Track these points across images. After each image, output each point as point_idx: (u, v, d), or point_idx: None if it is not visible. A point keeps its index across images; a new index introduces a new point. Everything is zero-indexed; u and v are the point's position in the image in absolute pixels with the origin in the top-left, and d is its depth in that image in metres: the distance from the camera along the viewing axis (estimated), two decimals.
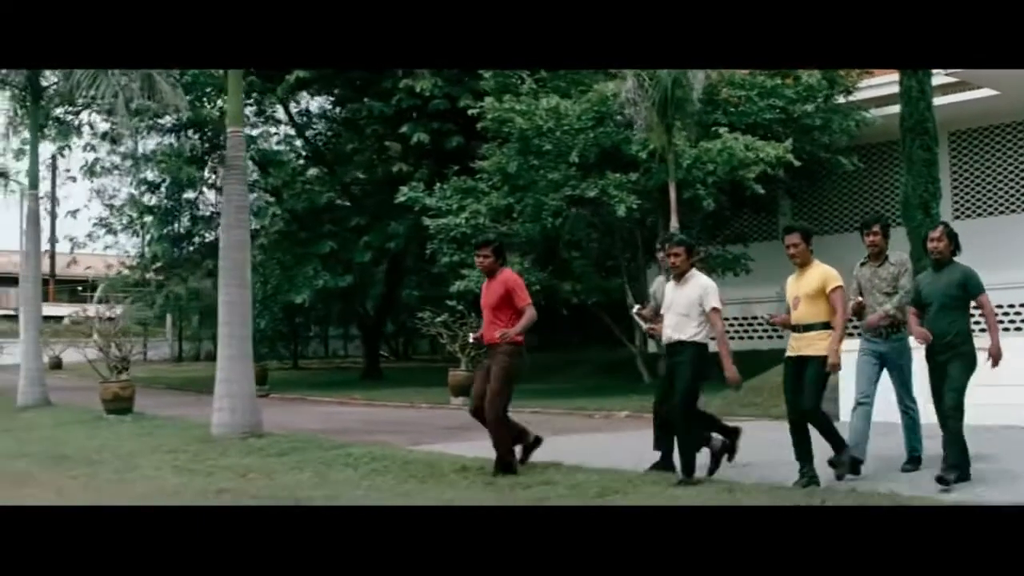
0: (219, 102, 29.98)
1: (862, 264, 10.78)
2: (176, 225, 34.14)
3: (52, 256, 56.29)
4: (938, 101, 17.72)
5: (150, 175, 33.70)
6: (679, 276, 10.31)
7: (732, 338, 25.01)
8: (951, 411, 9.45)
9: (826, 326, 9.70)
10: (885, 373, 10.65)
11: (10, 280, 64.48)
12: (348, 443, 13.98)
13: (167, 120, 30.78)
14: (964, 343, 9.58)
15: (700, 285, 10.22)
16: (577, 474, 10.53)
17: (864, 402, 10.44)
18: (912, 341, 10.26)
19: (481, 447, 11.35)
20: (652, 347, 21.66)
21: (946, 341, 9.56)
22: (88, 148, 34.29)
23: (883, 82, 21.16)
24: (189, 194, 33.85)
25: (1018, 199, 21.99)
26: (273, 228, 31.50)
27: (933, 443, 9.85)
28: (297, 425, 17.20)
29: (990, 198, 22.30)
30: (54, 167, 41.74)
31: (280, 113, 34.84)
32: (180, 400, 25.59)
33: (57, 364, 41.24)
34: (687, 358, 10.09)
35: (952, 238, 9.86)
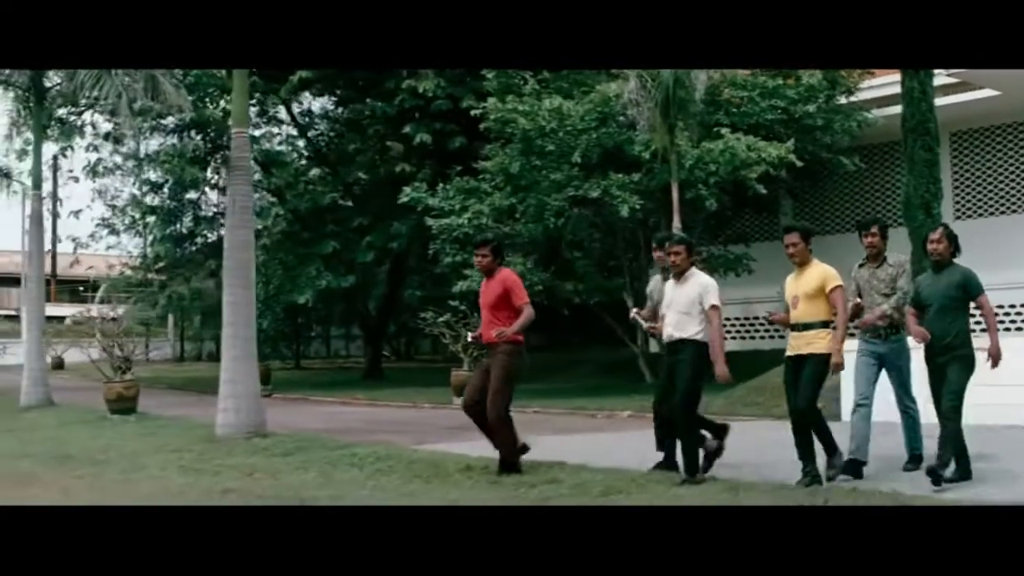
0: (222, 103, 30.04)
1: (860, 265, 10.78)
2: (179, 225, 34.18)
3: (53, 256, 56.32)
4: (939, 101, 17.75)
5: (153, 175, 33.76)
6: (679, 274, 10.34)
7: (734, 338, 25.23)
8: (949, 412, 9.46)
9: (825, 325, 9.73)
10: (884, 374, 10.69)
11: (11, 280, 64.61)
12: (352, 443, 13.99)
13: (170, 121, 30.81)
14: (963, 345, 9.59)
15: (700, 283, 10.26)
16: (581, 473, 10.56)
17: (863, 404, 10.44)
18: (911, 341, 10.29)
19: (485, 447, 11.33)
20: (654, 347, 21.70)
21: (945, 343, 9.58)
22: (91, 148, 34.36)
23: (884, 82, 21.19)
24: (192, 194, 33.90)
25: (1019, 199, 22.02)
26: (276, 228, 31.55)
27: (934, 442, 9.85)
28: (300, 425, 17.22)
29: (991, 198, 22.32)
30: (55, 167, 41.81)
31: (282, 113, 34.88)
32: (183, 400, 25.60)
33: (59, 364, 41.25)
34: (688, 356, 10.11)
35: (952, 239, 9.87)
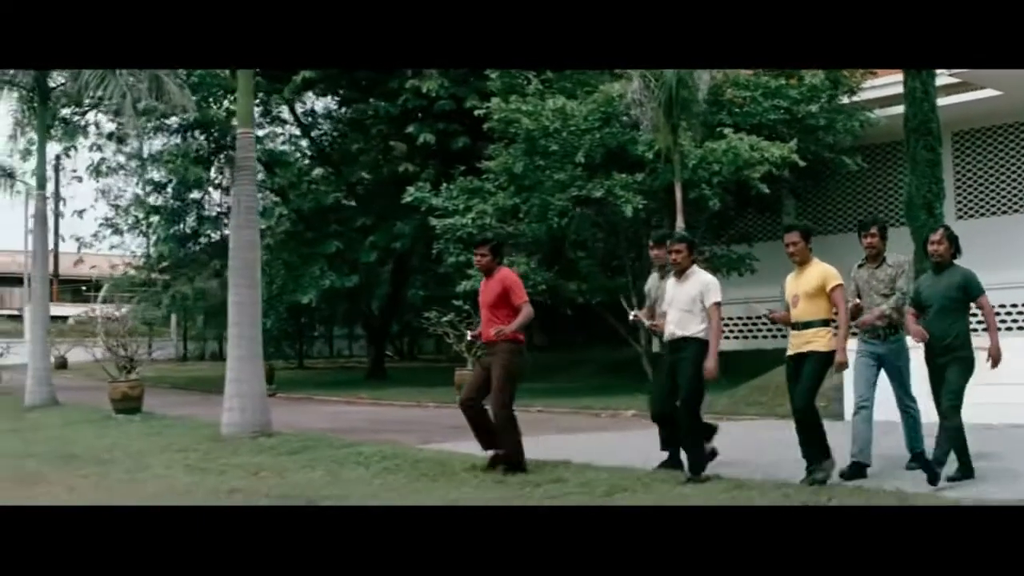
0: (226, 102, 30.09)
1: (860, 266, 10.78)
2: (182, 225, 34.21)
3: (56, 256, 56.41)
4: (941, 101, 17.77)
5: (156, 175, 33.79)
6: (680, 273, 10.38)
7: (736, 337, 25.26)
8: (948, 412, 9.50)
9: (825, 323, 9.78)
10: (883, 374, 10.72)
11: (13, 280, 64.67)
12: (358, 442, 14.03)
13: (173, 121, 30.87)
14: (963, 346, 9.62)
15: (701, 281, 10.30)
16: (587, 472, 10.60)
17: (864, 406, 10.42)
18: (910, 341, 10.32)
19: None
20: (656, 347, 21.75)
21: (945, 344, 9.61)
22: (94, 148, 34.40)
23: (887, 82, 21.23)
24: (195, 194, 33.93)
25: (1021, 199, 22.03)
26: (279, 228, 31.59)
27: (934, 441, 9.90)
28: (305, 424, 17.24)
29: (993, 198, 22.35)
30: (57, 167, 41.88)
31: (285, 113, 34.89)
32: (187, 400, 25.59)
33: (63, 364, 41.26)
34: (690, 355, 10.12)
35: (952, 241, 9.90)
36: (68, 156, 34.88)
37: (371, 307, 37.06)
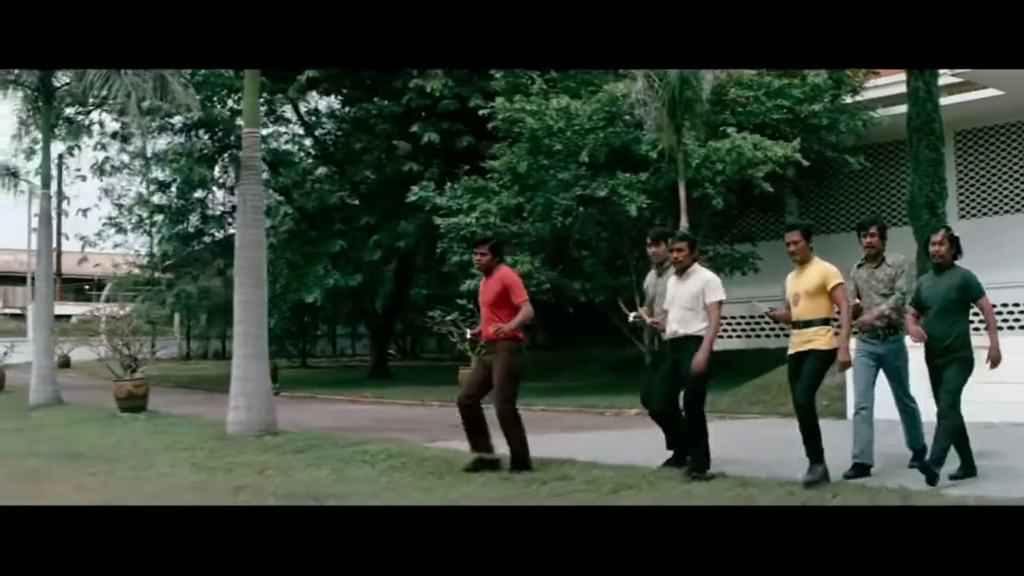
0: (230, 102, 30.11)
1: (859, 266, 10.80)
2: (186, 224, 34.23)
3: (58, 255, 56.49)
4: (944, 101, 17.78)
5: (160, 175, 33.83)
6: (682, 271, 10.45)
7: (739, 336, 25.31)
8: (945, 411, 9.54)
9: (825, 322, 9.81)
10: (882, 373, 10.75)
11: (16, 279, 64.72)
12: (363, 440, 14.10)
13: (177, 120, 30.89)
14: (962, 347, 9.65)
15: (702, 279, 10.37)
16: (592, 470, 10.65)
17: (863, 406, 10.44)
18: (908, 341, 10.36)
19: (497, 443, 11.41)
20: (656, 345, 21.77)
21: (945, 344, 9.64)
22: (99, 147, 34.43)
23: (889, 82, 21.28)
24: (199, 193, 33.94)
25: (1023, 198, 22.10)
26: (283, 227, 31.61)
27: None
28: (310, 423, 17.26)
29: (996, 197, 22.39)
30: (60, 166, 41.96)
31: (289, 112, 34.91)
32: (191, 398, 25.64)
33: (66, 363, 41.30)
34: (692, 353, 10.17)
35: (953, 241, 9.93)
36: (72, 155, 34.88)
37: (374, 306, 37.07)
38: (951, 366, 9.60)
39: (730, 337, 26.10)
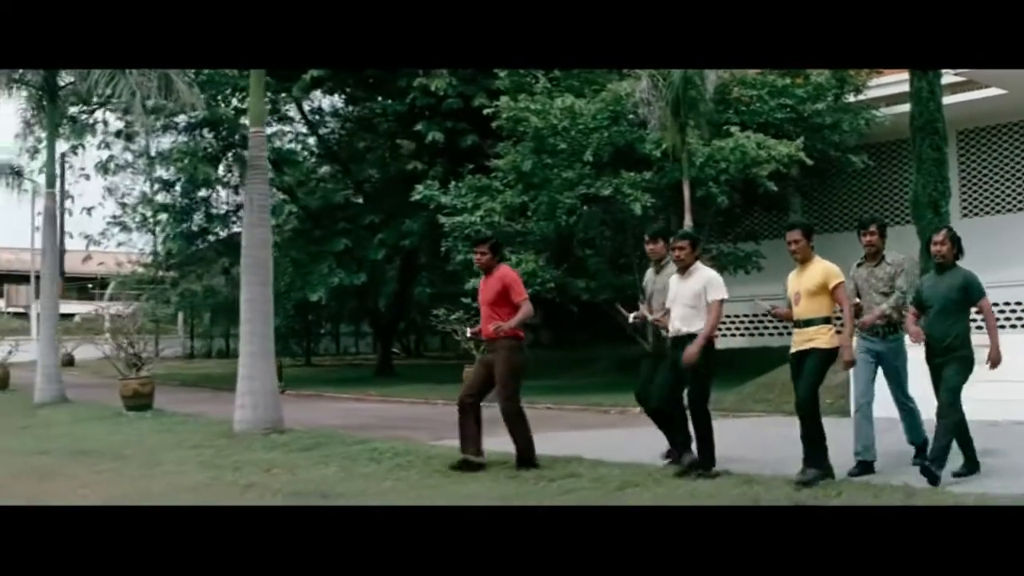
0: (234, 100, 30.15)
1: (859, 265, 10.84)
2: (190, 223, 34.25)
3: (61, 253, 56.53)
4: (946, 100, 17.78)
5: (164, 173, 33.87)
6: (684, 269, 10.49)
7: (743, 335, 25.35)
8: (944, 409, 9.57)
9: (826, 321, 9.83)
10: (881, 372, 10.78)
11: (19, 278, 64.74)
12: (370, 438, 14.16)
13: (182, 119, 30.94)
14: (962, 347, 9.68)
15: (704, 277, 10.42)
16: (599, 468, 10.73)
17: (864, 404, 10.50)
18: (908, 340, 10.41)
19: (503, 442, 11.49)
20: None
21: (945, 344, 9.68)
22: (103, 145, 34.49)
23: (892, 81, 21.29)
24: (203, 192, 33.97)
25: None
26: (287, 226, 31.65)
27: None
28: (316, 421, 17.30)
29: (998, 196, 22.42)
30: (63, 165, 42.04)
31: (292, 111, 34.94)
32: (196, 397, 25.67)
33: (70, 361, 41.30)
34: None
35: (955, 242, 9.96)
36: (75, 154, 34.96)
37: (378, 304, 37.09)
38: (951, 365, 9.64)
39: (733, 335, 26.14)
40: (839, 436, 10.19)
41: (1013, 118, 21.76)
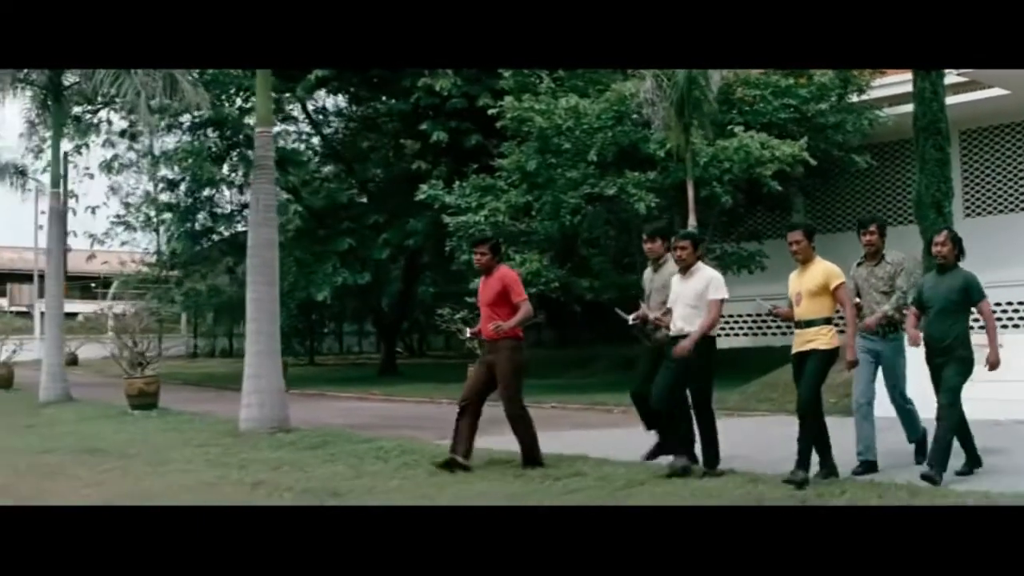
0: (238, 100, 30.18)
1: (858, 264, 10.87)
2: (193, 223, 34.27)
3: (64, 253, 56.52)
4: (949, 100, 17.84)
5: (169, 173, 33.88)
6: (685, 269, 10.51)
7: (746, 334, 25.39)
8: (943, 410, 9.60)
9: (827, 322, 9.84)
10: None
11: (21, 276, 64.79)
12: (376, 437, 14.21)
13: (186, 118, 30.96)
14: (961, 347, 9.71)
15: (706, 277, 10.44)
16: (604, 467, 10.79)
17: (864, 404, 10.54)
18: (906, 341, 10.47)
19: (507, 440, 11.55)
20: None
21: (944, 345, 9.71)
22: (107, 144, 34.51)
23: (895, 81, 21.32)
24: (208, 191, 33.98)
25: None
26: (291, 225, 31.67)
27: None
28: (321, 420, 17.32)
29: (1001, 196, 22.46)
30: (65, 164, 42.12)
31: (296, 111, 34.96)
32: (200, 396, 25.70)
33: (73, 360, 41.41)
34: (697, 351, 10.23)
35: (956, 243, 10.00)
36: (80, 153, 35.00)
37: (382, 304, 37.12)
38: (950, 365, 9.67)
39: (737, 335, 26.20)
40: (842, 435, 10.24)
41: (1016, 118, 21.81)
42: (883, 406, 10.74)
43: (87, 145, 34.03)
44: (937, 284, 9.97)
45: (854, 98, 22.24)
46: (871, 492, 8.92)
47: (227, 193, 35.08)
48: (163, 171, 34.14)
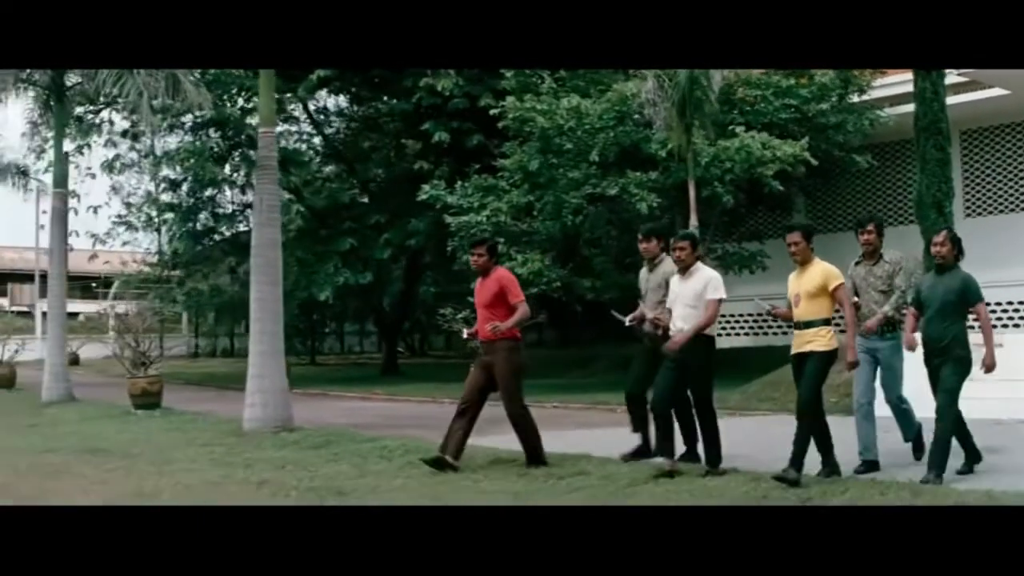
0: (240, 100, 30.20)
1: (857, 263, 10.90)
2: (195, 223, 34.27)
3: (65, 252, 56.46)
4: (950, 100, 17.88)
5: (171, 173, 33.89)
6: (684, 269, 10.56)
7: (747, 334, 25.42)
8: (941, 411, 9.63)
9: (826, 323, 9.87)
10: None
11: (23, 276, 64.81)
12: (379, 436, 14.24)
13: (188, 118, 30.98)
14: (959, 347, 9.72)
15: (704, 277, 10.49)
16: (608, 465, 10.85)
17: (864, 404, 10.57)
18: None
19: (510, 440, 11.60)
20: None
21: (942, 345, 9.72)
22: (109, 144, 34.52)
23: (896, 81, 21.34)
24: (210, 191, 33.98)
25: None
26: (293, 225, 31.69)
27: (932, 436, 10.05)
28: (324, 420, 17.32)
29: (1001, 196, 22.48)
30: (67, 164, 42.11)
31: (298, 111, 34.96)
32: (202, 396, 25.73)
33: (75, 360, 41.37)
34: (695, 351, 10.29)
35: (956, 243, 10.01)
36: (81, 153, 35.01)
37: (383, 304, 37.14)
38: (948, 365, 9.69)
39: (738, 335, 26.23)
40: (844, 435, 10.28)
41: (1016, 118, 21.84)
42: (884, 406, 10.76)
43: (89, 145, 34.00)
44: (935, 284, 9.99)
45: (855, 98, 22.27)
46: (873, 491, 8.96)
47: (229, 193, 35.08)
48: (165, 171, 34.15)
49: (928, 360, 9.91)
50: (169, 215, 34.56)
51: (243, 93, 29.58)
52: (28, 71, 23.89)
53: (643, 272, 11.68)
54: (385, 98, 30.71)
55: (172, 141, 33.57)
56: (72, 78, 25.16)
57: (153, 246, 39.73)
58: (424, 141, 29.22)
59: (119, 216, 37.17)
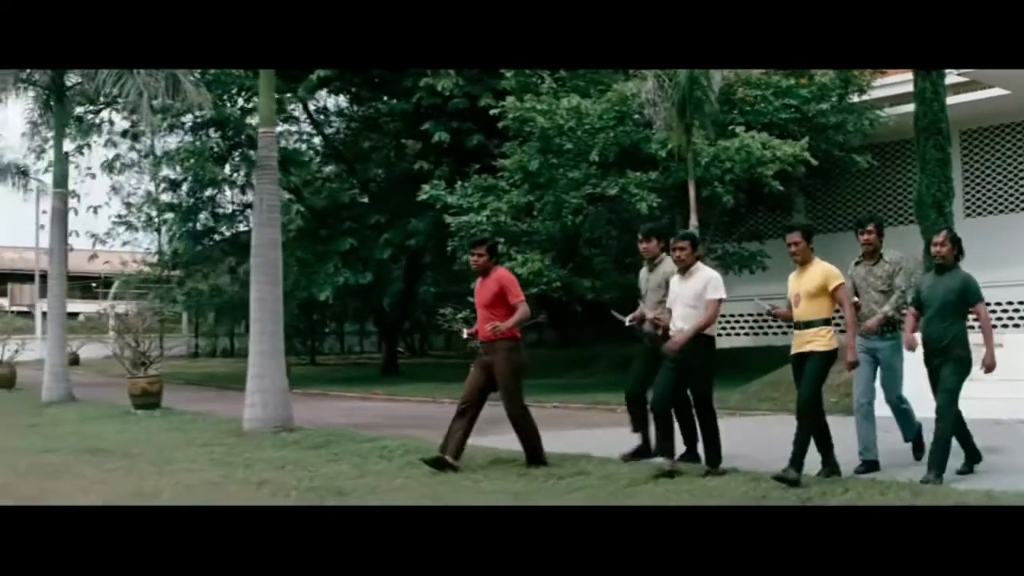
0: (240, 100, 30.19)
1: (856, 263, 10.89)
2: (195, 223, 34.25)
3: (65, 252, 56.43)
4: (950, 100, 17.87)
5: (171, 173, 33.89)
6: (684, 269, 10.56)
7: (747, 334, 25.42)
8: (941, 411, 9.62)
9: (826, 323, 9.86)
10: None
11: (22, 276, 64.81)
12: (379, 436, 14.24)
13: (188, 118, 30.98)
14: (959, 347, 9.72)
15: (704, 277, 10.49)
16: (608, 465, 10.85)
17: (864, 404, 10.57)
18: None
19: (510, 440, 11.60)
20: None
21: (942, 345, 9.71)
22: (108, 144, 34.52)
23: (896, 81, 21.34)
24: (210, 191, 33.97)
25: None
26: (293, 225, 31.69)
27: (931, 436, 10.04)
28: (324, 420, 17.32)
29: (1001, 196, 22.48)
30: (67, 164, 42.11)
31: (298, 111, 34.96)
32: (202, 396, 25.72)
33: (75, 360, 41.35)
34: (695, 351, 10.29)
35: (956, 243, 10.00)
36: (81, 153, 35.00)
37: (383, 304, 37.13)
38: (947, 365, 9.68)
39: (738, 335, 26.23)
40: (844, 435, 10.28)
41: (1016, 118, 21.84)
42: (884, 406, 10.76)
43: (89, 145, 33.99)
44: (935, 284, 9.98)
45: (855, 98, 22.26)
46: (873, 490, 8.96)
47: (229, 193, 35.07)
48: (165, 171, 34.15)
49: (928, 360, 9.89)
50: (169, 215, 34.55)
51: (243, 93, 29.57)
52: (28, 71, 23.86)
53: (643, 272, 11.67)
54: (385, 98, 30.70)
55: (172, 141, 33.62)
56: (72, 78, 25.14)
57: (153, 246, 39.76)
58: (424, 141, 29.21)
59: (119, 216, 37.21)
